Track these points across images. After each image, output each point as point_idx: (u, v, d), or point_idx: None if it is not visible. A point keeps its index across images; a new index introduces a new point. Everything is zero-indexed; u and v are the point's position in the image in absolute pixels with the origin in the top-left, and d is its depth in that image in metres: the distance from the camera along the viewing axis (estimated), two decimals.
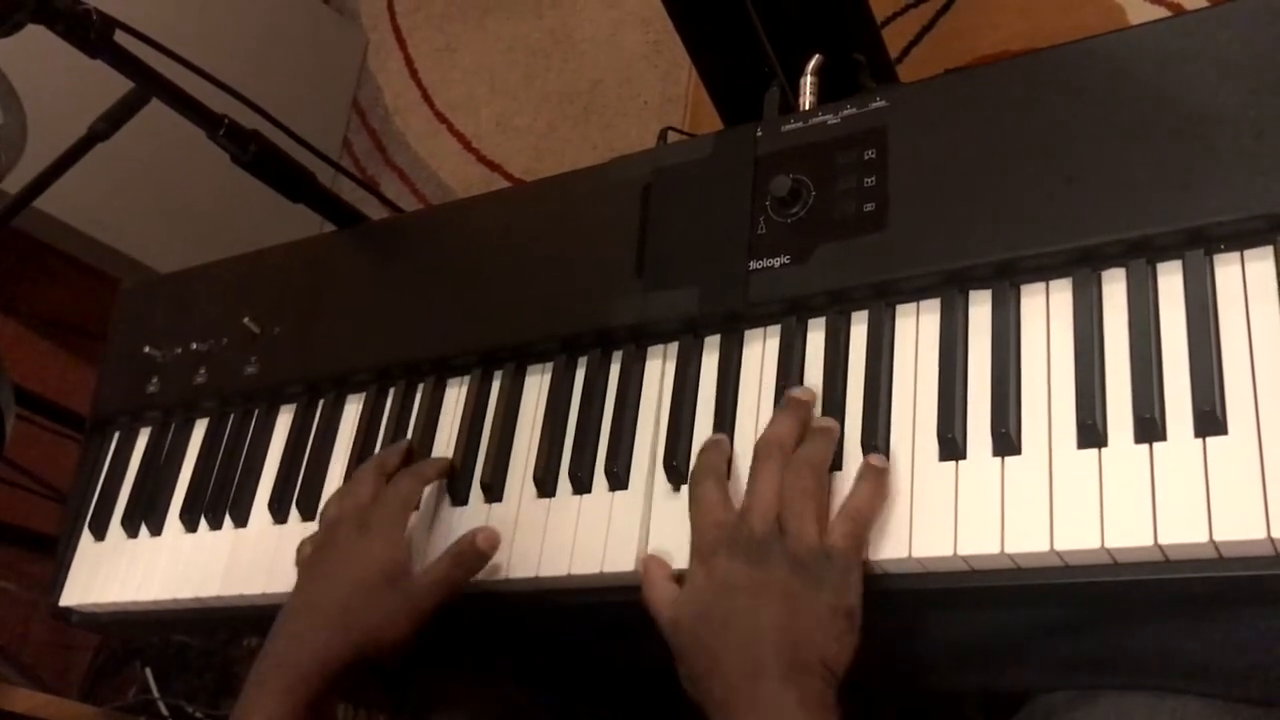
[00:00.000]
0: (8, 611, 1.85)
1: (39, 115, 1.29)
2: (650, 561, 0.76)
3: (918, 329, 0.76)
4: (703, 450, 0.77)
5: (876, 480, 0.70)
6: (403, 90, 2.32)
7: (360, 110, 2.34)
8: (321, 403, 1.01)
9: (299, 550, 0.88)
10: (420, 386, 0.96)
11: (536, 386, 0.90)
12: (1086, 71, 0.75)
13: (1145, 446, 0.65)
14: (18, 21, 0.87)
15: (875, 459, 0.71)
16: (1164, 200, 0.68)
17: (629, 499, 0.81)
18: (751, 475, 0.73)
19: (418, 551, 0.86)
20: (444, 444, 0.92)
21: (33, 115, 1.28)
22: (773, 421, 0.75)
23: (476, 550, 0.82)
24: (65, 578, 1.07)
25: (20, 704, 1.41)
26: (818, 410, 0.76)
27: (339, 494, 0.88)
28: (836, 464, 0.73)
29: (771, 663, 0.66)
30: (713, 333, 0.84)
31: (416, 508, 0.87)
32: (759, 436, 0.75)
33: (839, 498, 0.72)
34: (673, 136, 1.01)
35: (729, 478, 0.76)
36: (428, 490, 0.88)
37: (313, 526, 0.94)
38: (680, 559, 0.76)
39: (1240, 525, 0.60)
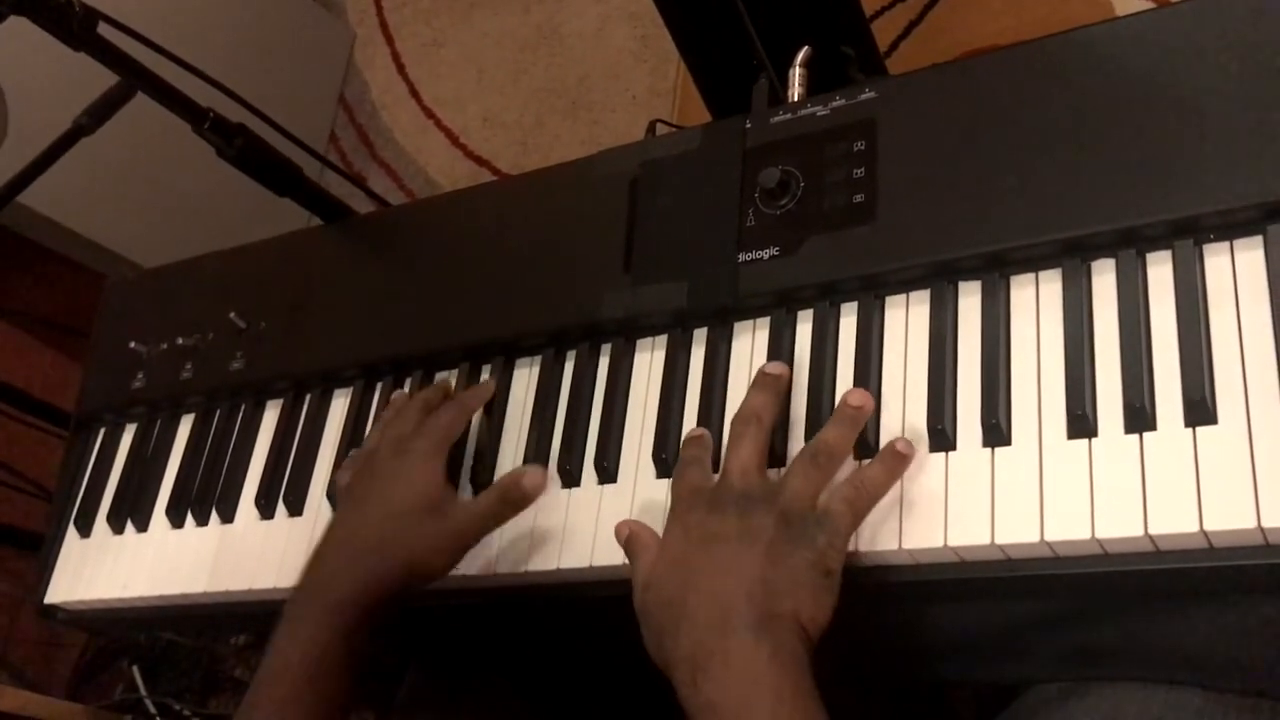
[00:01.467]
0: None
1: (22, 109, 1.28)
2: (638, 525, 0.75)
3: (907, 320, 0.76)
4: (685, 445, 0.77)
5: (894, 464, 0.69)
6: (390, 85, 2.31)
7: (347, 105, 2.33)
8: (308, 398, 1.00)
9: (335, 479, 0.87)
10: (407, 381, 0.96)
11: (525, 380, 0.90)
12: (1075, 63, 0.74)
13: (1135, 436, 0.65)
14: (0, 12, 0.86)
15: (902, 444, 0.69)
16: (1153, 190, 0.68)
17: (618, 492, 0.81)
18: (728, 444, 0.73)
19: None
20: None
21: (16, 109, 1.27)
22: (748, 396, 0.75)
23: (521, 489, 0.81)
24: (50, 575, 1.07)
25: (6, 702, 1.41)
26: (802, 400, 0.76)
27: (382, 424, 0.87)
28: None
29: (744, 611, 0.64)
30: (701, 325, 0.83)
31: (459, 440, 0.86)
32: (736, 411, 0.75)
33: None
34: (661, 129, 1.01)
35: (711, 461, 0.76)
36: None
37: (300, 522, 0.94)
38: None
39: (1230, 515, 0.60)
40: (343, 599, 0.77)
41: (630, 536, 0.74)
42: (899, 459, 0.69)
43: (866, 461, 0.71)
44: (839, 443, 0.71)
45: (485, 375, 0.92)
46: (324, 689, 0.75)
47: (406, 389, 0.95)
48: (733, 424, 0.74)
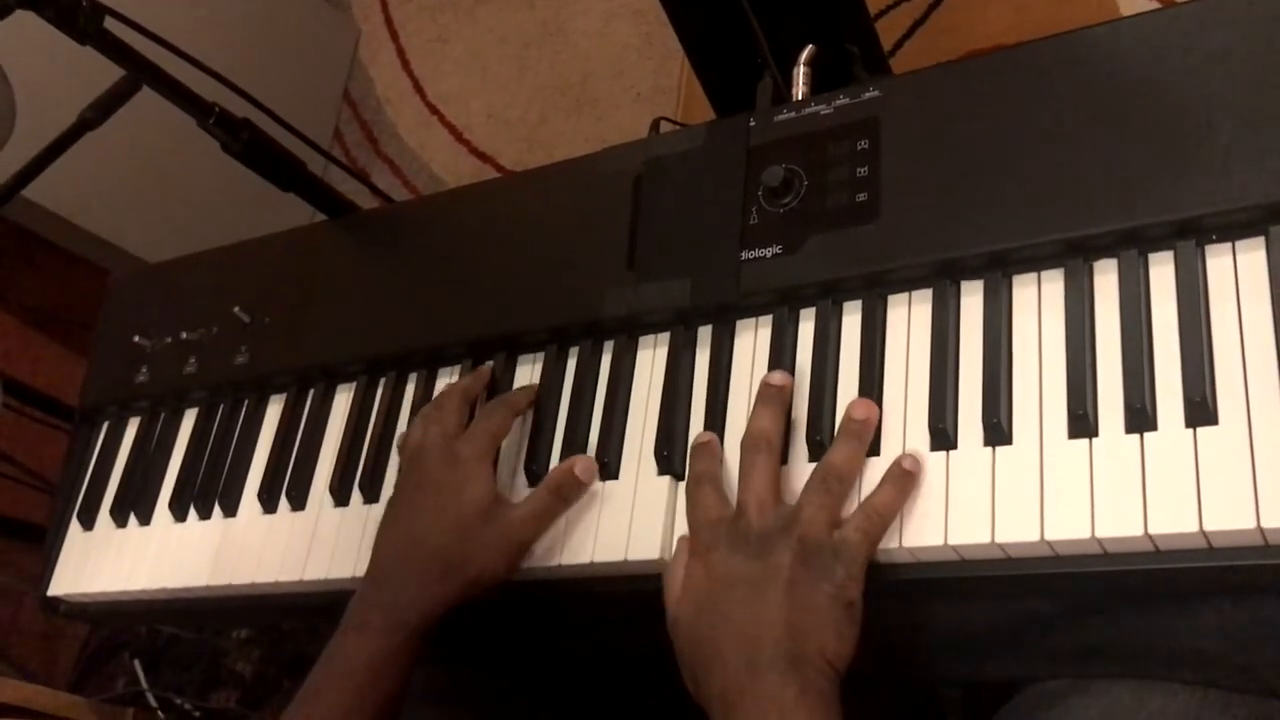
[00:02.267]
0: None
1: (28, 103, 1.28)
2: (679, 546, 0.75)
3: (909, 319, 0.76)
4: (693, 456, 0.77)
5: (904, 484, 0.69)
6: (394, 81, 2.32)
7: (352, 101, 2.33)
8: (311, 393, 1.00)
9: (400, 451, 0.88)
10: (411, 377, 0.96)
11: (527, 377, 0.90)
12: (1079, 63, 0.75)
13: (1136, 436, 0.65)
14: (7, 6, 0.87)
15: (909, 462, 0.70)
16: (1156, 191, 0.68)
17: (619, 490, 0.81)
18: (741, 472, 0.74)
19: None
20: None
21: (22, 103, 1.27)
22: (754, 414, 0.75)
23: (575, 480, 0.81)
24: (53, 568, 1.07)
25: (8, 694, 1.41)
26: (804, 398, 0.76)
27: (424, 419, 0.86)
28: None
29: (773, 654, 0.66)
30: (704, 323, 0.84)
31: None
32: (745, 432, 0.75)
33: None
34: (665, 127, 1.01)
35: (722, 473, 0.76)
36: None
37: (302, 516, 0.94)
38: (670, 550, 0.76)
39: (1230, 515, 0.60)
40: (411, 613, 0.79)
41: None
42: (907, 478, 0.69)
43: (875, 459, 0.72)
44: (848, 464, 0.71)
45: None
46: (387, 690, 0.78)
47: (408, 387, 0.95)
48: (742, 449, 0.74)
